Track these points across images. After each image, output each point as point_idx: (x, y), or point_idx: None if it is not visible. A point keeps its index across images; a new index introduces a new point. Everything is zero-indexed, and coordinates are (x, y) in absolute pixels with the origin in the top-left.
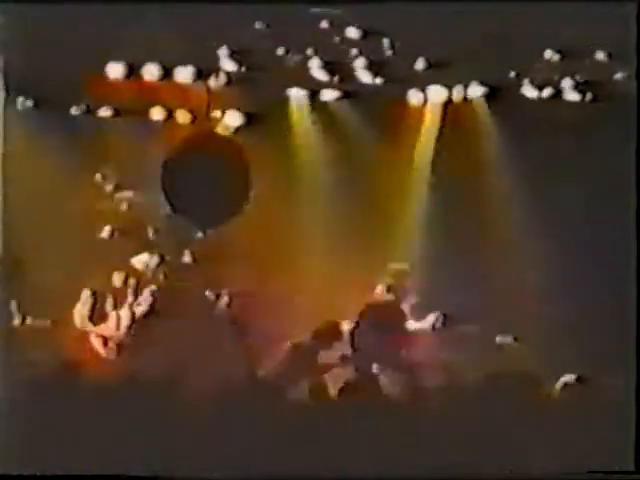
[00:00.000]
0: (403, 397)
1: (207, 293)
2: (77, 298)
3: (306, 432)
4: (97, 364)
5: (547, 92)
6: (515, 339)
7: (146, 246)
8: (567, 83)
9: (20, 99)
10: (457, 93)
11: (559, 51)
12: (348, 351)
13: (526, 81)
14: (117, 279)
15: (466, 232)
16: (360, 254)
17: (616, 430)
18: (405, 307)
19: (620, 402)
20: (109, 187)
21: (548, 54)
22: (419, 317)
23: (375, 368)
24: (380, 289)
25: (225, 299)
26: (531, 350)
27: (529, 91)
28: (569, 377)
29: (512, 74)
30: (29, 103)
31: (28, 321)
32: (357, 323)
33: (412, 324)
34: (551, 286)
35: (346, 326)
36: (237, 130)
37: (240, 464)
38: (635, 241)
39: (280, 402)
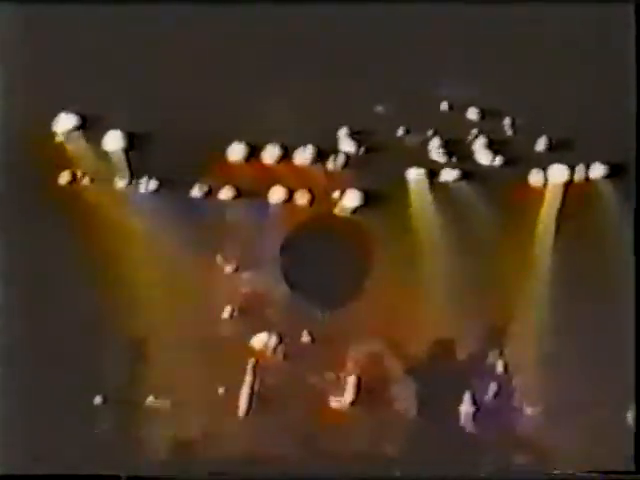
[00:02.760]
0: None
1: (326, 375)
2: (197, 378)
3: None
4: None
5: None
6: None
7: (265, 326)
8: None
9: (144, 180)
10: (579, 173)
11: None
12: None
13: None
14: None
15: (589, 318)
16: (476, 339)
17: (616, 430)
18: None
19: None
20: (229, 268)
21: None
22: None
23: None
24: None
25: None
26: None
27: None
28: None
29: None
30: (152, 185)
31: (149, 400)
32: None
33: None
34: None
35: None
36: (355, 211)
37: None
38: None
39: None
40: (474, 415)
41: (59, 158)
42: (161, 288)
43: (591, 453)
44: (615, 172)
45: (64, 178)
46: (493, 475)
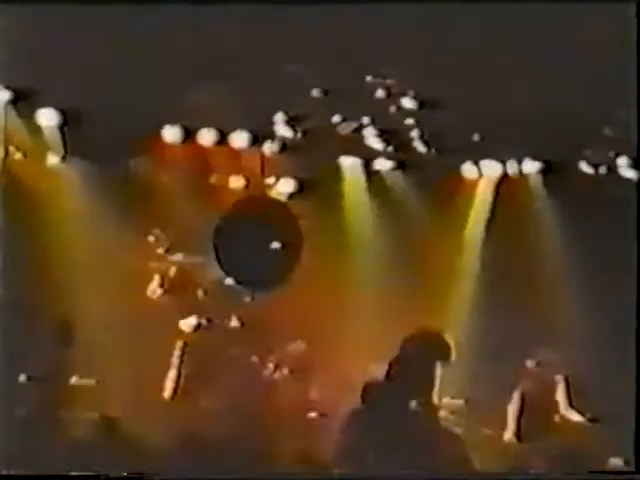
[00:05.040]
0: None
1: (253, 358)
2: (123, 359)
3: None
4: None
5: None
6: None
7: (194, 309)
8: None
9: (76, 159)
10: (512, 168)
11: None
12: None
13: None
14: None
15: (516, 309)
16: (408, 326)
17: (616, 430)
18: None
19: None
20: (161, 249)
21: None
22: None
23: None
24: None
25: (271, 365)
26: None
27: (585, 167)
28: None
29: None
30: (86, 162)
31: (73, 380)
32: None
33: None
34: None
35: None
36: (290, 197)
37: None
38: None
39: None
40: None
41: None
42: (90, 267)
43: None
44: (548, 168)
45: None
46: (493, 475)
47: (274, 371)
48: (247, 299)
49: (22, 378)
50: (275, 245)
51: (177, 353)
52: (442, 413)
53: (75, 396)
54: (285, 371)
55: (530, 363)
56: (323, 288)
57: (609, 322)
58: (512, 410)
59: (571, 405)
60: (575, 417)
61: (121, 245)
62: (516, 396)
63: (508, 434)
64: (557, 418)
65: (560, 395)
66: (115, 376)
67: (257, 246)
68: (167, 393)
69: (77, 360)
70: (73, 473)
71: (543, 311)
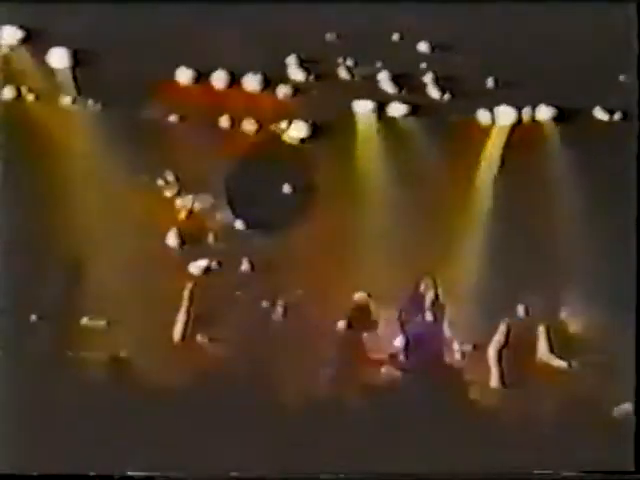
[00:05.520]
0: None
1: (263, 302)
2: (133, 300)
3: None
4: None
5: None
6: None
7: (205, 252)
8: None
9: (90, 101)
10: (526, 114)
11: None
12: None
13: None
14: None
15: (525, 253)
16: (418, 269)
17: (616, 430)
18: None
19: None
20: (171, 192)
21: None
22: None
23: None
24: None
25: (280, 309)
26: None
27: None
28: None
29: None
30: (99, 104)
31: (84, 321)
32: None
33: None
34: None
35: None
36: (303, 141)
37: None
38: None
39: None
40: (405, 346)
41: (3, 72)
42: (101, 209)
43: (591, 453)
44: (562, 115)
45: (8, 93)
46: (491, 475)
47: (283, 315)
48: (257, 243)
49: (33, 317)
50: (286, 189)
51: (186, 295)
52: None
53: (85, 336)
54: (294, 316)
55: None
56: (334, 233)
57: (614, 270)
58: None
59: (552, 350)
60: (556, 363)
61: (132, 187)
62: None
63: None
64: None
65: (541, 341)
66: (125, 317)
67: (268, 190)
68: (176, 335)
69: (87, 301)
70: (80, 473)
71: (555, 257)
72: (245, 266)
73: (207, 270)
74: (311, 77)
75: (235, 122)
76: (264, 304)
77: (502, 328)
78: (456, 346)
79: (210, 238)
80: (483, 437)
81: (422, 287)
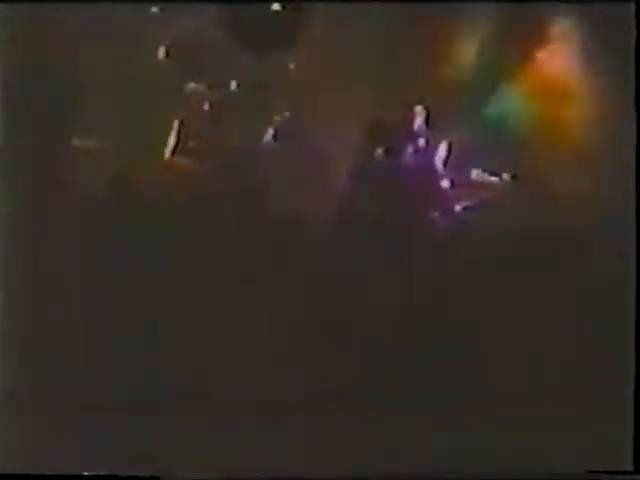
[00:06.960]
0: None
1: (253, 124)
2: (125, 120)
3: None
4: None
5: None
6: None
7: (196, 73)
8: None
9: None
10: None
11: None
12: None
13: None
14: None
15: None
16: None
17: (615, 430)
18: None
19: (619, 402)
20: (157, 9)
21: None
22: None
23: None
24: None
25: (271, 131)
26: None
27: None
28: None
29: None
30: None
31: (75, 142)
32: None
33: None
34: None
35: None
36: None
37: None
38: None
39: None
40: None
41: None
42: (93, 29)
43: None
44: None
45: None
46: (492, 475)
47: (274, 138)
48: (249, 63)
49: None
50: (275, 6)
51: (178, 116)
52: None
53: (77, 157)
54: (284, 138)
55: None
56: (327, 55)
57: None
58: None
59: None
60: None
61: (124, 9)
62: None
63: None
64: None
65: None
66: (117, 138)
67: (258, 8)
68: (167, 154)
69: (79, 121)
70: (84, 473)
71: None
72: (234, 86)
73: (198, 91)
74: None
75: None
76: (252, 126)
77: None
78: None
79: (201, 58)
80: (483, 437)
81: (415, 114)
